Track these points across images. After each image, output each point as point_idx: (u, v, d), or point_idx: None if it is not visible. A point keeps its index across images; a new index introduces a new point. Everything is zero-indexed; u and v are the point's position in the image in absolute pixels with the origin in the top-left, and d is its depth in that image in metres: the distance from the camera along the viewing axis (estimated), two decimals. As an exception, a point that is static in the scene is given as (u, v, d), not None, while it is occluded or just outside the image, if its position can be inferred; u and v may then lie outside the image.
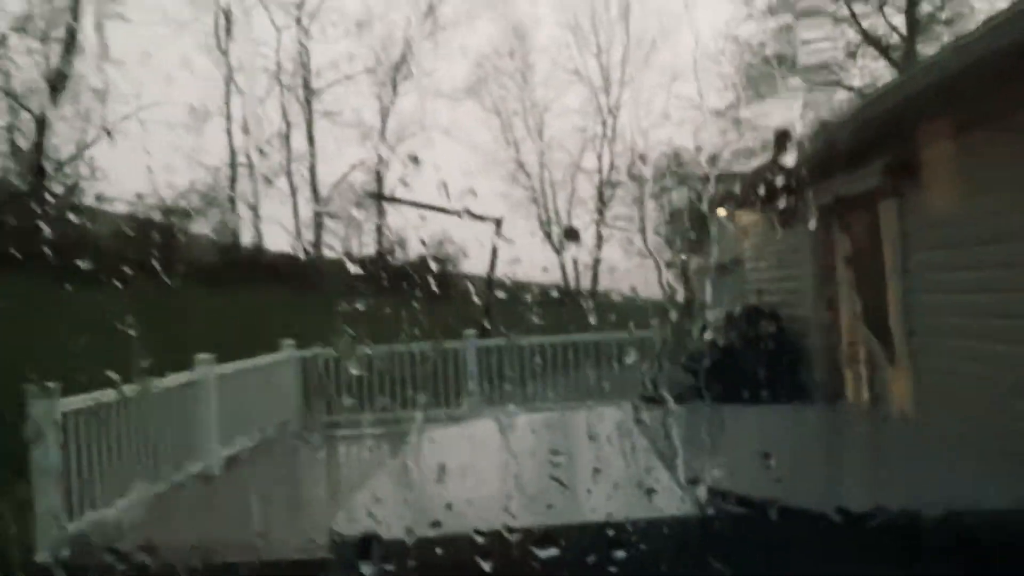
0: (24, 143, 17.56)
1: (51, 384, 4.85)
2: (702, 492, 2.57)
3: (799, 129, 22.74)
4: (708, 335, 8.81)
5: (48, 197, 16.06)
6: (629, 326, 9.94)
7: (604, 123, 31.23)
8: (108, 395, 5.29)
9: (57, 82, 18.13)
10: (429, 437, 7.05)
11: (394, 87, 28.24)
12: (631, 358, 9.07)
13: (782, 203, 8.29)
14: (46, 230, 13.04)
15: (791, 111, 23.52)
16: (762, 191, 8.27)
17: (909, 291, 5.89)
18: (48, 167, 17.13)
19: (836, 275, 7.57)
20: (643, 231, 29.43)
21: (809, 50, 22.59)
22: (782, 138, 12.03)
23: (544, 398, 8.91)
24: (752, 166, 17.84)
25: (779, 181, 7.66)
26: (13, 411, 4.77)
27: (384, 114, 28.05)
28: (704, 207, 11.54)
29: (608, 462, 4.76)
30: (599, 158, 31.34)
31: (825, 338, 7.68)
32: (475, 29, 29.62)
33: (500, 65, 30.37)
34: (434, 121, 28.88)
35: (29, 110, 18.06)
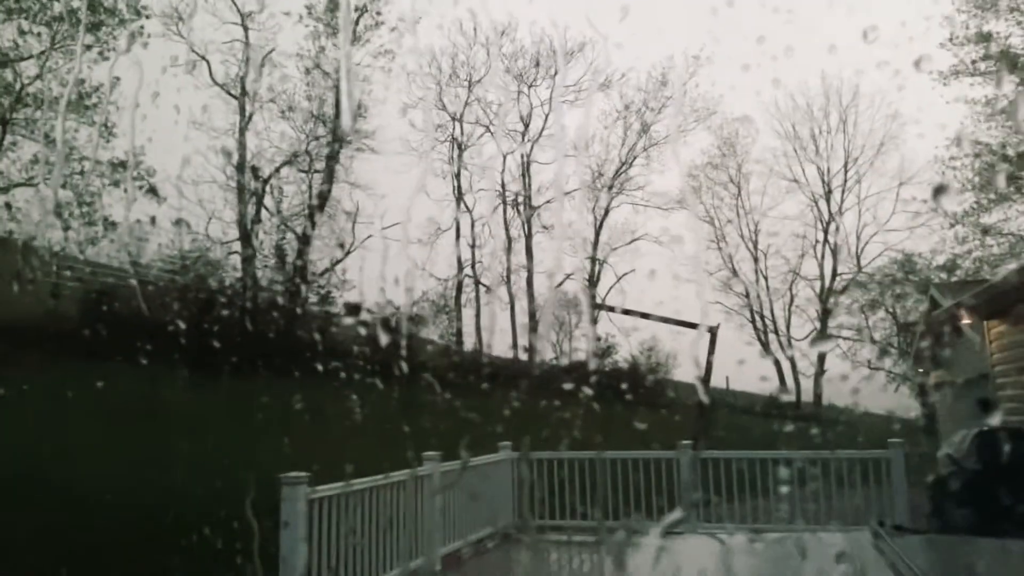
0: (288, 258, 20.11)
1: (301, 474, 5.34)
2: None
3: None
4: (954, 457, 7.95)
5: (305, 306, 18.10)
6: (861, 445, 9.24)
7: (826, 230, 30.04)
8: (353, 484, 5.73)
9: (317, 206, 20.74)
10: (644, 550, 6.86)
11: (608, 201, 29.22)
12: (866, 480, 8.40)
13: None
14: (304, 335, 14.62)
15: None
16: (1016, 298, 7.54)
17: None
18: (306, 279, 19.41)
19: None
20: (872, 341, 27.44)
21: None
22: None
23: (766, 519, 8.40)
24: (996, 273, 16.22)
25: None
26: (269, 499, 5.27)
27: (598, 226, 28.98)
28: (944, 316, 10.63)
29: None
30: (820, 265, 30.04)
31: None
32: (687, 143, 30.00)
33: (713, 176, 30.47)
34: (646, 231, 29.29)
35: (293, 231, 20.75)
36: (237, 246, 19.55)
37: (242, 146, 20.63)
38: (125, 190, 17.40)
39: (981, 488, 6.67)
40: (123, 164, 17.63)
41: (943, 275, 23.36)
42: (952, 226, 23.45)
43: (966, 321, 9.12)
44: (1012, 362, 8.67)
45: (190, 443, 8.47)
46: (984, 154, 22.03)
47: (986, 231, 22.07)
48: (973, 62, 22.51)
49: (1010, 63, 21.31)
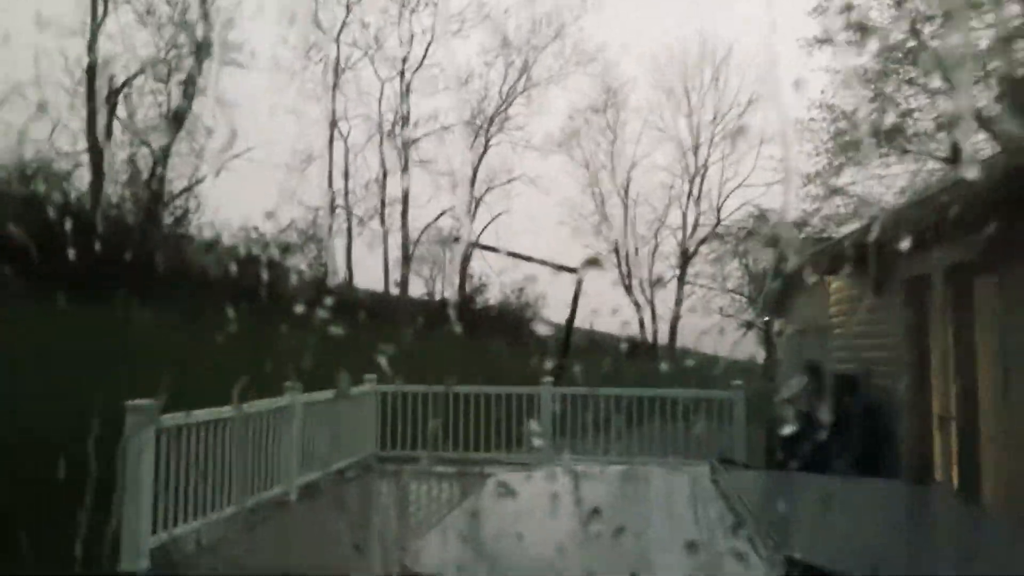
0: (142, 175, 18.78)
1: (149, 401, 5.10)
2: (780, 562, 2.55)
3: (892, 199, 22.20)
4: (790, 400, 8.61)
5: (160, 226, 17.06)
6: (708, 385, 9.83)
7: (691, 182, 31.20)
8: (201, 415, 5.54)
9: (175, 120, 19.38)
10: (502, 482, 7.08)
11: (487, 139, 29.03)
12: (710, 418, 8.97)
13: (873, 272, 8.13)
14: (158, 258, 13.84)
15: (882, 180, 23.00)
16: (853, 258, 8.13)
17: (1010, 370, 5.66)
18: (162, 198, 18.25)
19: (928, 349, 7.34)
20: (725, 290, 29.04)
21: (902, 120, 22.12)
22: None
23: (618, 451, 8.84)
24: (842, 232, 17.48)
25: (872, 249, 7.53)
26: (113, 426, 5.02)
27: (476, 164, 28.83)
28: (790, 270, 11.36)
29: (683, 524, 4.69)
30: (684, 216, 31.28)
31: (914, 412, 7.42)
32: (568, 87, 30.15)
33: (591, 120, 30.86)
34: (523, 173, 29.42)
35: (148, 145, 19.33)
36: (84, 158, 18.06)
37: (93, 50, 18.89)
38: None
39: (813, 429, 7.26)
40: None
41: (795, 230, 24.90)
42: (805, 186, 24.95)
43: (809, 275, 9.76)
44: (845, 315, 9.41)
45: (25, 372, 7.93)
46: (840, 119, 23.41)
47: (834, 191, 23.61)
48: (837, 31, 23.72)
49: (867, 33, 22.57)
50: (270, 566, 4.85)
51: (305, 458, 7.14)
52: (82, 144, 18.18)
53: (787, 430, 7.35)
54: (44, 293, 10.07)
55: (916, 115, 21.94)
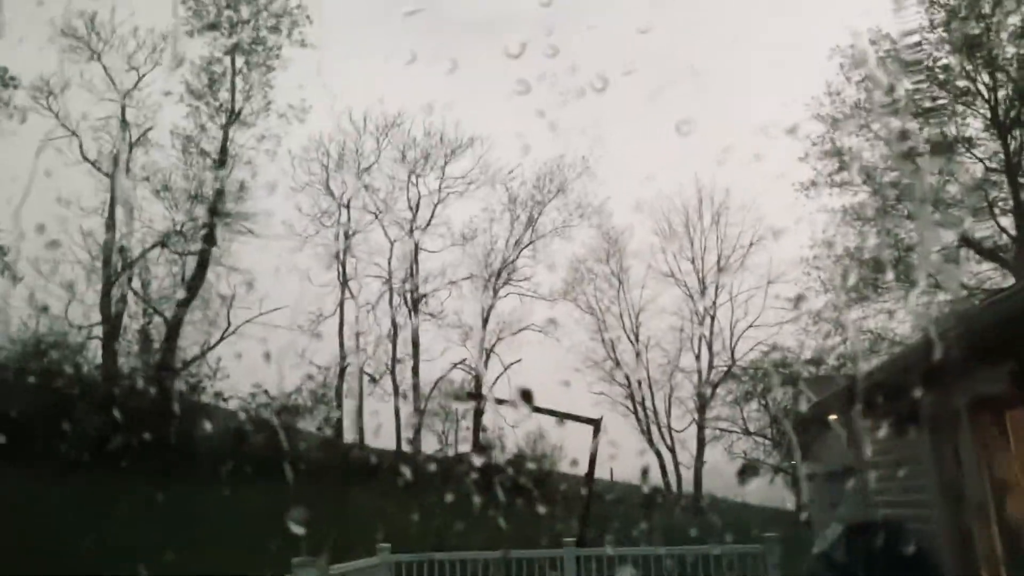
0: (154, 345, 18.95)
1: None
2: None
3: (901, 331, 22.14)
4: (825, 551, 8.14)
5: (172, 395, 17.00)
6: (739, 535, 9.33)
7: (701, 324, 31.28)
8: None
9: (188, 290, 19.81)
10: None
11: (495, 291, 29.49)
12: (744, 571, 8.46)
13: (898, 407, 7.91)
14: (170, 427, 13.69)
15: (893, 314, 23.04)
16: (875, 395, 7.93)
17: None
18: (173, 366, 18.31)
19: (964, 488, 7.00)
20: (747, 432, 28.36)
21: (906, 254, 22.44)
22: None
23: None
24: (858, 369, 17.27)
25: (894, 385, 7.36)
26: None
27: (485, 315, 29.11)
28: (811, 411, 11.10)
29: None
30: (697, 358, 31.12)
31: (958, 559, 6.98)
32: (572, 237, 30.95)
33: (596, 269, 31.41)
34: (532, 322, 29.64)
35: (162, 315, 19.65)
36: (98, 331, 18.25)
37: (111, 227, 19.60)
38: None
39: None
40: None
41: (811, 368, 24.65)
42: (815, 323, 24.98)
43: (831, 416, 9.53)
44: (876, 455, 9.08)
45: (35, 545, 7.67)
46: (844, 257, 23.77)
47: (841, 328, 23.58)
48: (830, 174, 24.57)
49: (864, 175, 23.35)
50: None
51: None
52: (96, 317, 18.48)
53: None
54: (56, 468, 9.92)
55: (918, 249, 22.23)
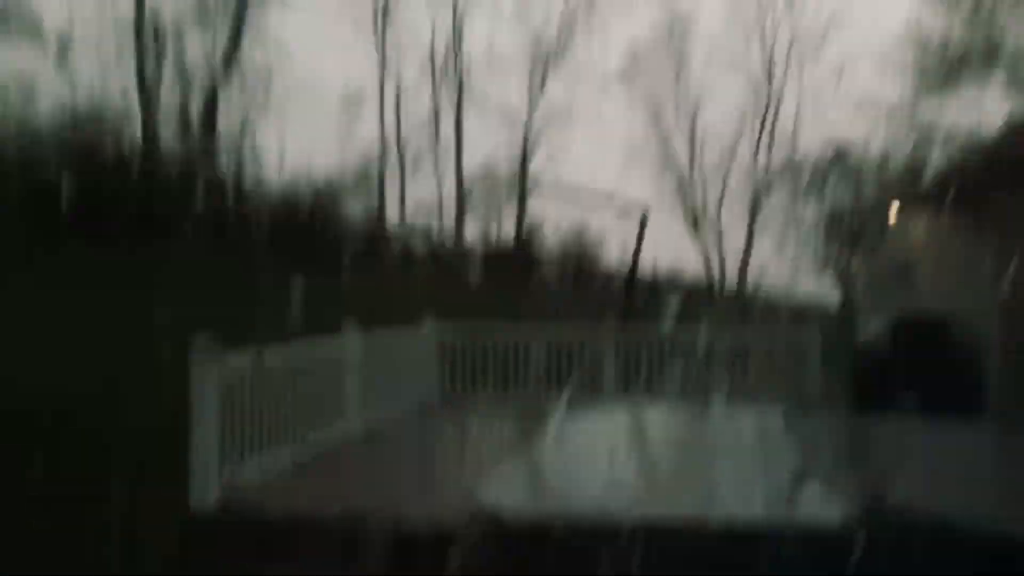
0: (193, 121, 18.85)
1: (214, 342, 5.06)
2: (859, 499, 2.40)
3: (984, 129, 20.80)
4: (871, 343, 8.19)
5: (216, 175, 17.12)
6: (783, 327, 9.40)
7: (764, 115, 29.96)
8: (265, 356, 5.50)
9: (224, 64, 19.33)
10: (567, 422, 7.01)
11: (544, 74, 28.23)
12: (784, 360, 8.63)
13: (966, 207, 7.55)
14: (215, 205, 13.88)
15: (974, 109, 21.51)
16: (945, 192, 7.57)
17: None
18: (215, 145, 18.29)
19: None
20: (799, 229, 27.94)
21: (1000, 43, 20.53)
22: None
23: (688, 394, 8.60)
24: (930, 166, 16.44)
25: (966, 184, 6.98)
26: (180, 366, 5.01)
27: (533, 101, 28.10)
28: (871, 207, 10.76)
29: (753, 465, 4.47)
30: (755, 152, 30.13)
31: (1008, 358, 6.93)
32: (632, 15, 28.90)
33: (656, 51, 29.72)
34: (583, 109, 28.51)
35: (199, 90, 19.33)
36: (135, 105, 18.09)
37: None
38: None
39: (895, 376, 6.85)
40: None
41: (875, 166, 23.67)
42: (888, 117, 23.54)
43: (893, 211, 9.22)
44: (935, 254, 8.86)
45: (89, 317, 8.09)
46: (929, 43, 21.83)
47: (921, 123, 22.16)
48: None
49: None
50: (335, 501, 4.85)
51: (367, 396, 7.11)
52: (133, 92, 18.27)
53: (868, 375, 6.99)
54: (102, 240, 10.24)
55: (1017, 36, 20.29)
